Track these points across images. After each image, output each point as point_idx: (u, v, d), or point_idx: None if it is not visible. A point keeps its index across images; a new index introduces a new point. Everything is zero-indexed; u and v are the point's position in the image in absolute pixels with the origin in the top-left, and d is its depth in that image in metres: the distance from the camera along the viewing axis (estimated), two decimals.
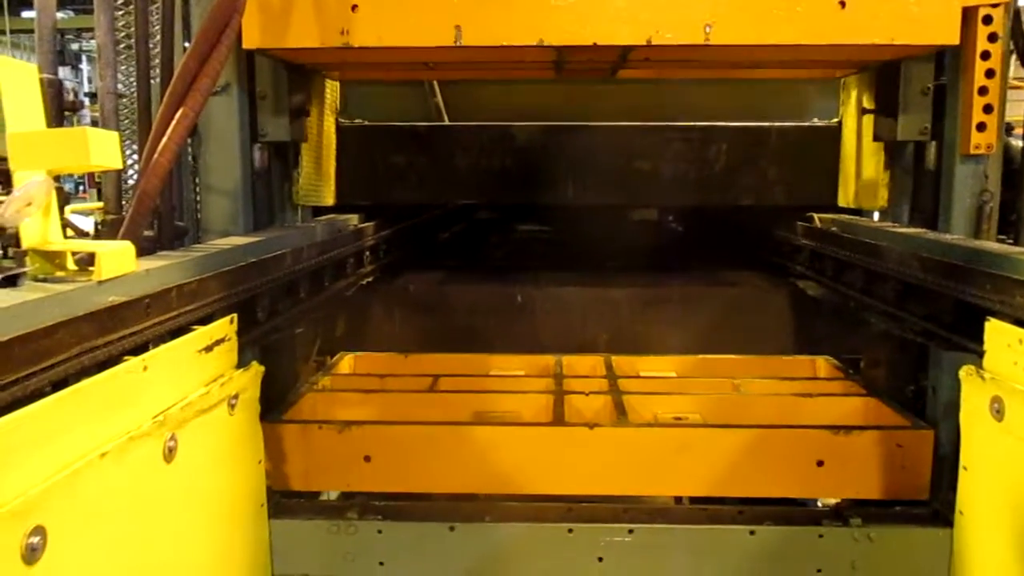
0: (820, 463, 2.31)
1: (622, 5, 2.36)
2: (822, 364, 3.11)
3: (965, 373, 1.90)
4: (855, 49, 2.49)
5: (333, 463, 2.37)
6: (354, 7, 2.37)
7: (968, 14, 2.38)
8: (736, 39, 2.37)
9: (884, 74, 2.79)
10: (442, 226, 4.37)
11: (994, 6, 2.37)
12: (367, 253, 3.24)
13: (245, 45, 2.42)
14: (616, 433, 2.38)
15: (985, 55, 2.39)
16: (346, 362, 3.24)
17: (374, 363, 3.27)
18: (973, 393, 1.88)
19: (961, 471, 1.96)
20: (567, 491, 2.39)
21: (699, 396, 2.76)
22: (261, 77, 2.63)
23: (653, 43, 2.36)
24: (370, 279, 3.26)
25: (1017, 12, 2.48)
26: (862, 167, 3.02)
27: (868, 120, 2.96)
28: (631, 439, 2.36)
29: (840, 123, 3.26)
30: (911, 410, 2.53)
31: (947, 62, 2.56)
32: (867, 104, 2.98)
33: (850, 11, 2.34)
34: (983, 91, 2.41)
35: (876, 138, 2.87)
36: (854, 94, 3.10)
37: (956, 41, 2.38)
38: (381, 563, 2.24)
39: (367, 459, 2.34)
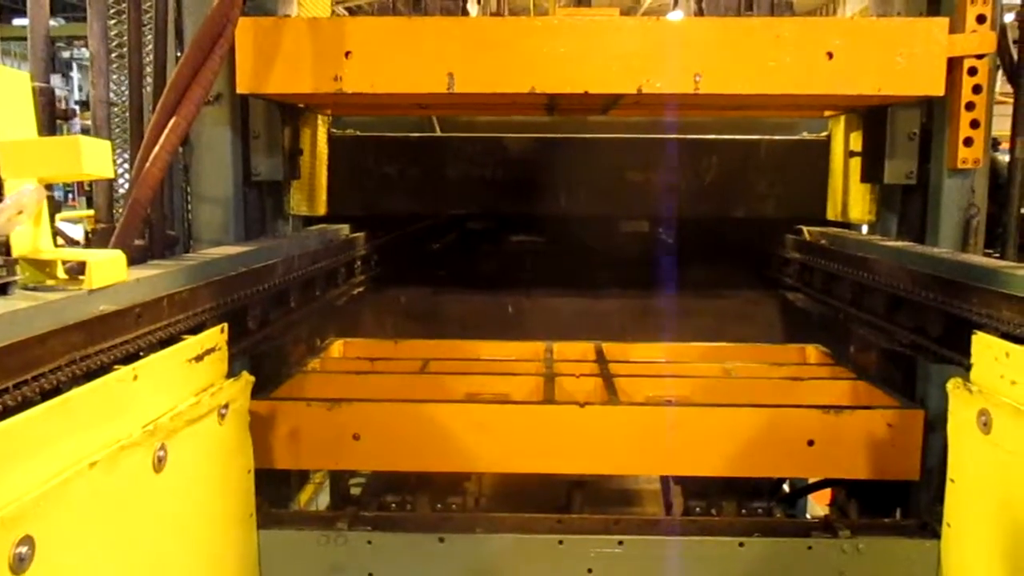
0: (811, 443, 2.28)
1: (613, 55, 2.38)
2: (812, 352, 3.12)
3: (952, 386, 1.91)
4: (842, 97, 2.53)
5: (322, 441, 2.34)
6: (347, 53, 2.39)
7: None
8: (725, 88, 2.40)
9: (871, 116, 2.82)
10: (434, 236, 4.38)
11: (979, 57, 2.41)
12: (358, 263, 3.24)
13: (239, 90, 2.43)
14: (607, 412, 2.35)
15: (972, 71, 2.42)
16: (336, 347, 3.23)
17: (364, 348, 3.26)
18: (960, 406, 1.89)
19: (948, 483, 1.96)
20: (557, 470, 2.36)
21: (690, 379, 2.74)
22: (254, 117, 2.65)
23: (644, 91, 2.40)
24: (361, 289, 3.26)
25: (1003, 28, 2.51)
26: (850, 180, 3.04)
27: (856, 134, 2.99)
28: (622, 418, 2.33)
29: (829, 136, 3.29)
30: None
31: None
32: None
33: (837, 62, 2.38)
34: (970, 106, 2.44)
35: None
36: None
37: (941, 92, 2.42)
38: (370, 574, 2.23)
39: (356, 437, 2.32)
